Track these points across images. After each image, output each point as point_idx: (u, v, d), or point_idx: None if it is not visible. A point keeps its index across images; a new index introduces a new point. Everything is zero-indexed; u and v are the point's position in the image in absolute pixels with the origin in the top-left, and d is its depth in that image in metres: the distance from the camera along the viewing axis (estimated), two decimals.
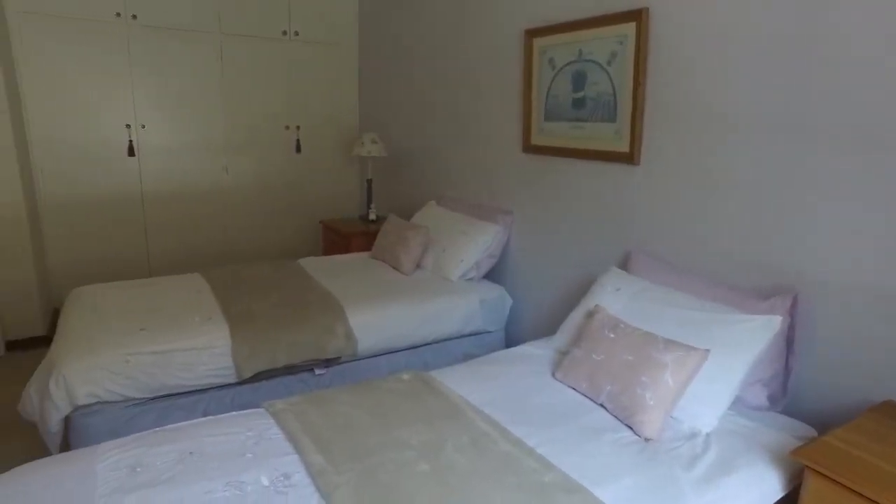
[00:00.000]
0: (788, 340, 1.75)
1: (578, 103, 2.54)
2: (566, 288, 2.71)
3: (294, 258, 3.36)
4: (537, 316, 2.91)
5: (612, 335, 1.80)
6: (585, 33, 2.47)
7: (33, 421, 2.06)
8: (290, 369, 2.32)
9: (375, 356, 2.55)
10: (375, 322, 2.49)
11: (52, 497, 1.30)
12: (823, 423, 1.73)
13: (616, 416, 1.68)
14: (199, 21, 3.88)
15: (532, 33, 2.74)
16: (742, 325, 1.72)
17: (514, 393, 1.83)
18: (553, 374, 1.94)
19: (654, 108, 2.21)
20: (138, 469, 1.39)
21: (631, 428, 1.62)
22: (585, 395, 1.79)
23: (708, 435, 1.63)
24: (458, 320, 2.72)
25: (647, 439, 1.58)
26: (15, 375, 2.98)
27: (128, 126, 3.78)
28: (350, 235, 3.70)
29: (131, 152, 3.81)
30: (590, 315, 2.00)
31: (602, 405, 1.73)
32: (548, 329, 2.73)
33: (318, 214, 4.49)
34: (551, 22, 2.64)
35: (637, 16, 2.20)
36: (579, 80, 2.53)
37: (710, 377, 1.66)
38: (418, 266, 3.08)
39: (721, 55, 1.96)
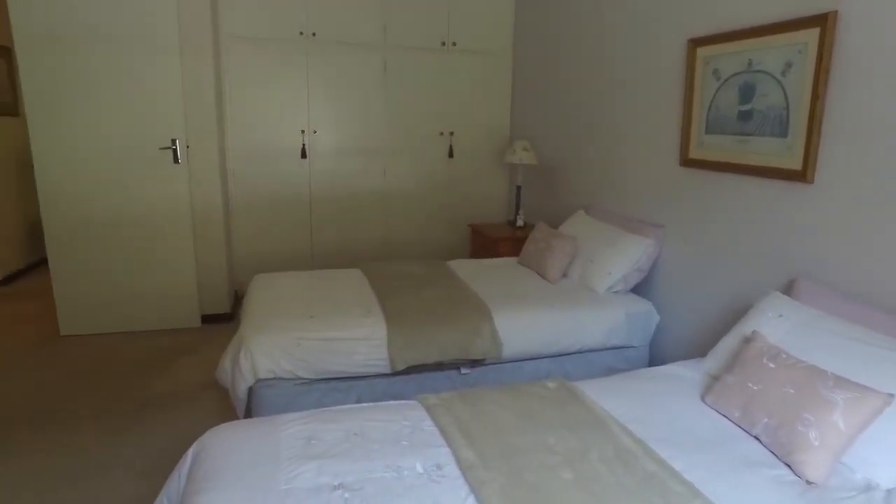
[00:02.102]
0: None
1: (744, 116, 2.41)
2: (718, 309, 2.59)
3: (443, 259, 3.55)
4: (685, 335, 2.80)
5: (771, 364, 1.70)
6: (757, 42, 2.34)
7: (226, 387, 2.42)
8: (438, 366, 2.48)
9: (518, 361, 2.62)
10: (520, 327, 2.57)
11: (245, 454, 1.54)
12: None
13: (772, 451, 1.59)
14: (368, 36, 4.23)
15: (696, 42, 2.64)
16: None
17: (660, 412, 1.80)
18: (702, 398, 1.88)
19: (834, 122, 2.03)
20: (313, 441, 1.59)
21: (789, 466, 1.53)
22: (737, 425, 1.72)
23: (889, 492, 1.47)
24: (602, 332, 2.70)
25: (809, 482, 1.48)
26: (209, 344, 3.51)
27: (302, 131, 4.24)
28: (498, 240, 3.81)
29: (303, 155, 4.26)
30: (746, 341, 1.91)
31: (756, 437, 1.65)
32: (695, 350, 2.63)
33: (466, 218, 4.68)
34: (718, 30, 2.53)
35: (822, 21, 2.04)
36: (747, 92, 2.40)
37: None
38: (564, 275, 3.10)
39: None
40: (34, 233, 5.12)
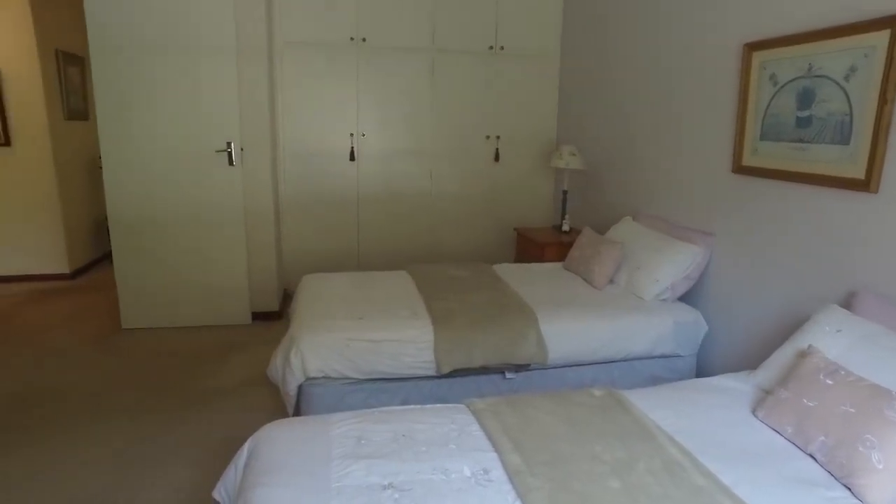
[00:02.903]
0: None
1: (803, 123, 2.34)
2: (770, 321, 2.52)
3: (488, 262, 3.57)
4: (734, 346, 2.74)
5: (829, 381, 1.65)
6: (818, 45, 2.27)
7: (276, 383, 2.50)
8: (483, 370, 2.50)
9: (563, 367, 2.62)
10: (566, 333, 2.56)
11: (298, 451, 1.60)
12: None
13: (829, 472, 1.55)
14: (416, 40, 4.28)
15: (753, 47, 2.58)
16: None
17: (709, 425, 1.78)
18: (753, 412, 1.84)
19: None
20: (362, 441, 1.64)
21: (849, 489, 1.48)
22: (791, 441, 1.67)
23: None
24: (648, 341, 2.67)
25: None
26: (259, 341, 3.63)
27: (351, 134, 4.33)
28: (544, 245, 3.81)
29: (352, 157, 4.35)
30: (802, 355, 1.86)
31: (811, 455, 1.61)
32: (745, 361, 2.58)
33: (511, 221, 4.68)
34: (776, 34, 2.46)
35: (892, 22, 1.96)
36: (806, 98, 2.33)
37: None
38: (611, 281, 3.08)
39: None
40: (99, 230, 5.41)
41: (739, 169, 2.68)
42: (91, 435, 2.56)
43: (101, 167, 3.63)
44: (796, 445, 1.66)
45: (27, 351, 3.46)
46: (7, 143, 4.56)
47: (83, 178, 5.20)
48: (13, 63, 4.47)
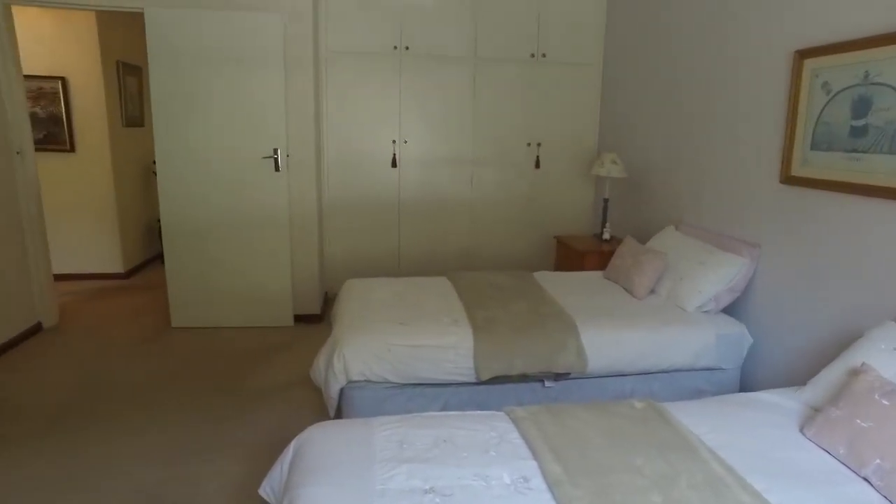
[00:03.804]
0: None
1: (858, 132, 2.28)
2: (820, 337, 2.45)
3: (528, 270, 3.57)
4: (780, 361, 2.67)
5: (885, 402, 1.60)
6: (877, 52, 2.20)
7: (319, 385, 2.57)
8: (522, 377, 2.51)
9: (603, 377, 2.60)
10: (606, 343, 2.55)
11: (342, 452, 1.64)
12: None
13: (886, 497, 1.49)
14: (458, 48, 4.33)
15: (804, 54, 2.52)
16: None
17: (754, 441, 1.74)
18: (801, 430, 1.80)
19: None
20: (405, 445, 1.67)
21: None
22: (843, 463, 1.63)
23: None
24: (690, 353, 2.63)
25: None
26: (302, 343, 3.72)
27: (393, 141, 4.40)
28: (585, 253, 3.79)
29: (394, 164, 4.41)
30: (854, 373, 1.81)
31: (866, 479, 1.56)
32: (792, 377, 2.52)
33: (551, 229, 4.67)
34: (830, 41, 2.40)
35: None
36: (861, 106, 2.26)
37: None
38: (652, 292, 3.04)
39: None
40: (150, 232, 5.64)
41: (788, 179, 2.62)
42: (143, 429, 2.67)
43: (154, 172, 3.80)
44: (849, 467, 1.61)
45: (88, 346, 3.64)
46: (72, 149, 4.81)
47: (137, 183, 5.43)
48: (80, 74, 4.72)
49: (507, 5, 4.32)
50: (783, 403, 1.99)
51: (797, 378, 2.43)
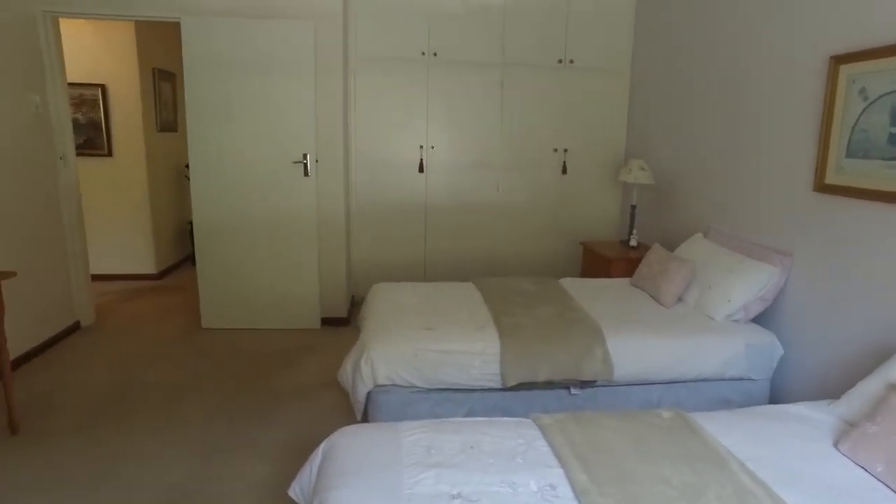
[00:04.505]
0: None
1: None
2: (855, 349, 2.40)
3: (554, 275, 3.57)
4: (813, 373, 2.62)
5: None
6: None
7: (346, 388, 2.60)
8: (548, 384, 2.51)
9: (629, 385, 2.59)
10: (633, 351, 2.53)
11: (371, 456, 1.66)
12: None
13: None
14: (486, 55, 4.35)
15: (840, 59, 2.48)
16: None
17: (785, 455, 1.72)
18: (835, 445, 1.77)
19: None
20: (432, 450, 1.69)
21: None
22: (881, 480, 1.59)
23: None
24: (719, 362, 2.60)
25: None
26: (328, 345, 3.77)
27: (420, 146, 4.43)
28: (611, 260, 3.77)
29: (420, 169, 4.45)
30: (892, 388, 1.77)
31: None
32: (825, 390, 2.47)
33: (578, 235, 4.65)
34: (867, 46, 2.36)
35: None
36: None
37: None
38: (680, 300, 3.01)
39: None
40: (181, 234, 5.77)
41: (822, 187, 2.57)
42: (173, 427, 2.74)
43: (186, 176, 3.89)
44: (888, 486, 1.58)
45: (123, 345, 3.75)
46: (109, 153, 4.96)
47: (170, 186, 5.57)
48: (119, 81, 4.88)
49: (535, 12, 4.33)
50: (816, 416, 1.96)
51: (830, 391, 2.39)
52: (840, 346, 2.47)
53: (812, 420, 1.93)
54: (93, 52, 4.77)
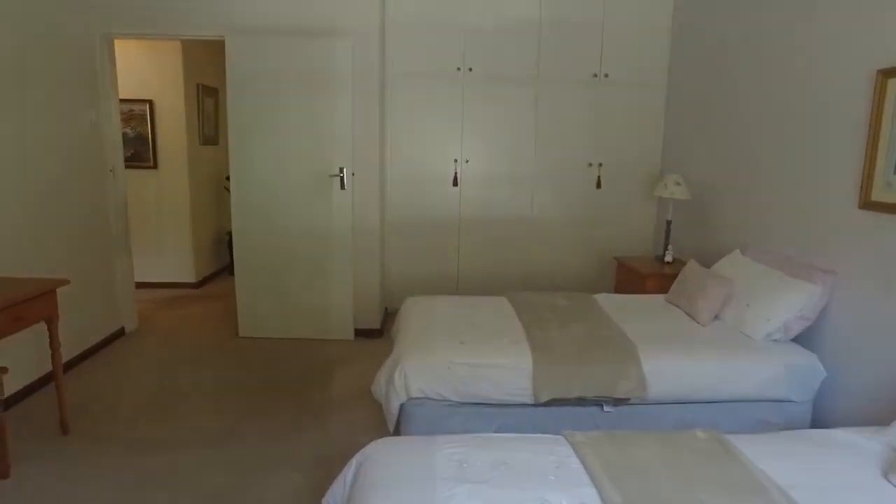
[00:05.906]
0: None
1: None
2: None
3: (587, 290, 3.55)
4: (859, 397, 2.53)
5: None
6: None
7: (379, 400, 2.63)
8: (580, 400, 2.49)
9: (664, 403, 2.55)
10: (668, 370, 2.50)
11: (404, 469, 1.68)
12: None
13: None
14: (521, 70, 4.38)
15: (887, 73, 2.42)
16: None
17: (830, 484, 1.66)
18: (885, 476, 1.70)
19: None
20: (465, 465, 1.70)
21: None
22: None
23: None
24: (757, 383, 2.54)
25: None
26: (362, 357, 3.81)
27: (455, 160, 4.47)
28: (646, 276, 3.73)
29: (455, 183, 4.49)
30: None
31: None
32: (873, 416, 2.37)
33: (612, 250, 4.61)
34: None
35: None
36: None
37: None
38: (716, 318, 2.95)
39: None
40: (219, 244, 5.93)
41: (867, 204, 2.51)
42: (208, 435, 2.81)
43: (226, 188, 4.01)
44: None
45: (163, 351, 3.87)
46: (155, 166, 5.16)
47: (210, 198, 5.74)
48: (165, 97, 5.09)
49: (570, 26, 4.34)
50: (862, 443, 1.89)
51: (877, 417, 2.30)
52: (888, 369, 2.39)
53: (859, 447, 1.87)
54: (142, 69, 4.98)
